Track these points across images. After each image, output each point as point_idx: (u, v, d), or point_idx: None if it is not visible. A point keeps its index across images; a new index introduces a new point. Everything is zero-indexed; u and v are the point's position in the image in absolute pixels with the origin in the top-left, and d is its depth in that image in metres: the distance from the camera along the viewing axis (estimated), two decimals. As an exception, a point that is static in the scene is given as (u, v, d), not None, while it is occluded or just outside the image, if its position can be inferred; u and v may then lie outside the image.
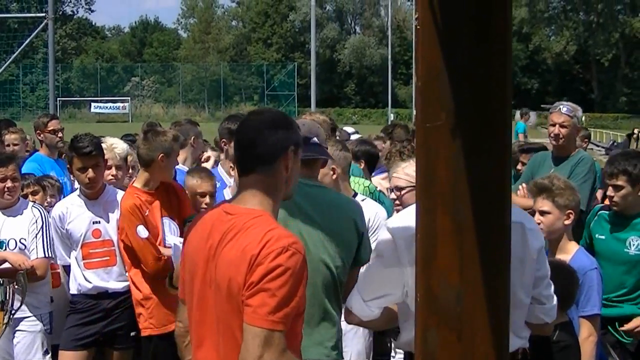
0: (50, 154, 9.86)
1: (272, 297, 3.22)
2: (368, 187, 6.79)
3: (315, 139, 4.74)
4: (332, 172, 5.90)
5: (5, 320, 4.74)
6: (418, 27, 2.34)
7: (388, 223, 4.27)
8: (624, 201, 6.27)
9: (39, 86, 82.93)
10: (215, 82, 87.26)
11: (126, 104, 79.70)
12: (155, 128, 7.12)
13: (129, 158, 7.84)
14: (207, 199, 6.96)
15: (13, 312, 4.79)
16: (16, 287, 4.78)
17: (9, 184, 6.70)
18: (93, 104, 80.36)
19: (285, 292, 3.24)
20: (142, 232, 6.50)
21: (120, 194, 6.93)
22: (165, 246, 6.56)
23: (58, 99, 64.17)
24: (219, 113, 74.37)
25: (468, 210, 2.26)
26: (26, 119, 50.38)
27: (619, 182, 6.26)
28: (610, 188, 6.32)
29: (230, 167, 7.37)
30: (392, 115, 62.17)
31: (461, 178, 2.26)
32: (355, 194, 6.41)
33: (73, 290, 6.81)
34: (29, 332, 6.70)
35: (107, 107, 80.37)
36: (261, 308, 3.22)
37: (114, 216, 6.78)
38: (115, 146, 7.65)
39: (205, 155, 9.40)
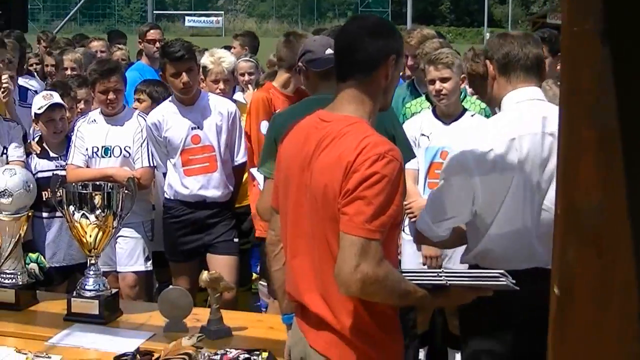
0: (151, 63, 9.91)
1: (369, 205, 3.14)
2: (484, 109, 6.68)
3: (329, 49, 4.65)
4: None
5: (115, 225, 4.77)
6: None
7: (456, 141, 4.34)
8: None
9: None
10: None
11: (219, 18, 79.62)
12: (296, 31, 7.05)
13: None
14: None
15: (122, 217, 4.82)
16: (126, 192, 4.80)
17: (111, 95, 6.73)
18: (187, 18, 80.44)
19: (382, 200, 3.15)
20: (264, 128, 6.42)
21: (213, 98, 6.90)
22: None
23: (153, 11, 64.76)
24: (312, 29, 73.90)
25: (614, 120, 2.15)
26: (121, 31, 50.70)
27: None
28: None
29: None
30: (487, 34, 61.28)
31: (608, 86, 2.15)
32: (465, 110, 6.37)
33: (169, 195, 6.78)
34: (131, 239, 6.80)
35: (200, 21, 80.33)
36: (357, 216, 3.14)
37: (212, 121, 6.71)
38: (223, 59, 7.60)
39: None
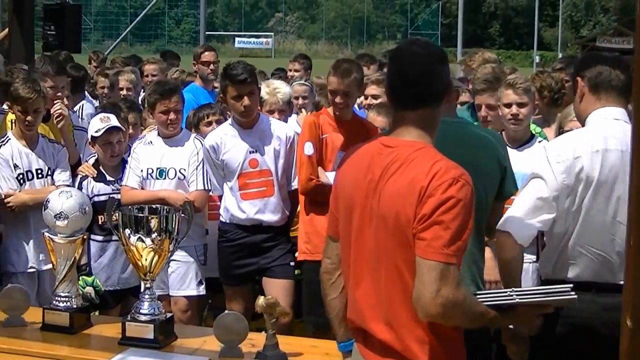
0: (204, 85, 9.95)
1: (446, 230, 3.19)
2: (539, 133, 6.64)
3: None
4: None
5: (171, 248, 4.74)
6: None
7: (546, 148, 4.40)
8: None
9: (184, 20, 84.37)
10: (358, 19, 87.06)
11: (269, 39, 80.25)
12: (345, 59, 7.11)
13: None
14: None
15: (178, 241, 4.79)
16: (182, 215, 4.78)
17: (171, 116, 6.75)
18: (237, 39, 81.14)
19: (458, 224, 3.21)
20: (308, 149, 6.50)
21: (272, 122, 6.90)
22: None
23: (205, 32, 65.23)
24: (361, 51, 74.18)
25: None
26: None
27: None
28: None
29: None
30: (537, 57, 60.98)
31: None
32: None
33: (225, 218, 6.77)
34: (184, 263, 6.80)
35: (250, 42, 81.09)
36: (435, 241, 3.19)
37: (271, 146, 6.71)
38: (278, 90, 7.62)
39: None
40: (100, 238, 6.65)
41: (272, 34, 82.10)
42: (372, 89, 7.94)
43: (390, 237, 3.32)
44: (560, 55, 51.70)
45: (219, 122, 7.31)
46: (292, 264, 6.74)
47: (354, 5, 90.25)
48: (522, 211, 4.27)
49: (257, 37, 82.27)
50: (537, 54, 63.83)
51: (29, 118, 6.60)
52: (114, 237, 6.10)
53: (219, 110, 7.58)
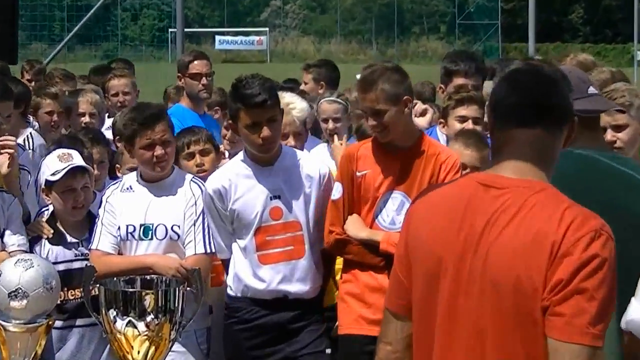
0: (194, 106, 9.95)
1: (591, 301, 3.28)
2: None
3: (591, 87, 4.67)
4: None
5: (173, 337, 4.77)
6: None
7: None
8: None
9: (142, 13, 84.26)
10: (385, 6, 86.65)
11: (263, 37, 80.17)
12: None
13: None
14: None
15: (184, 325, 4.81)
16: (188, 289, 4.80)
17: (158, 151, 6.72)
18: (218, 37, 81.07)
19: (605, 293, 3.30)
20: (336, 190, 6.61)
21: (299, 156, 6.94)
22: (379, 227, 6.55)
23: (169, 29, 65.21)
24: (391, 50, 74.43)
25: None
26: (125, 57, 50.94)
27: None
28: None
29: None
30: (638, 52, 60.87)
31: None
32: None
33: (235, 291, 6.77)
34: (179, 354, 6.65)
35: (237, 42, 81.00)
36: (579, 317, 3.27)
37: (298, 188, 6.76)
38: (292, 107, 7.64)
39: (420, 106, 9.37)
40: (59, 323, 6.46)
41: (267, 29, 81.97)
42: (461, 110, 7.98)
43: (505, 310, 3.36)
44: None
45: (204, 154, 7.41)
46: (327, 351, 6.77)
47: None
48: None
49: (246, 34, 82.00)
50: (639, 47, 63.66)
51: None
52: (79, 322, 6.13)
53: (204, 137, 7.64)
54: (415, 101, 7.97)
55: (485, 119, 6.87)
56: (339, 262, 6.83)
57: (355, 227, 6.47)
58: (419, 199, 3.83)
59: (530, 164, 3.51)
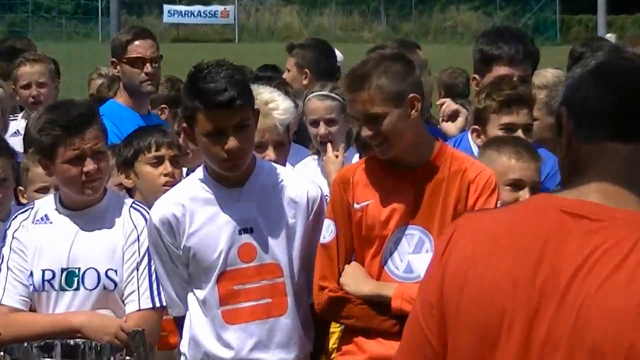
0: (134, 103, 9.93)
1: None
2: None
3: None
4: None
5: None
6: None
7: None
8: None
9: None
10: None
11: (229, 8, 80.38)
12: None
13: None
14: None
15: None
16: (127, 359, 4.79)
17: (88, 166, 6.69)
18: (166, 7, 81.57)
19: None
20: (327, 231, 6.55)
21: (285, 175, 7.05)
22: (389, 277, 6.55)
23: (103, -1, 65.29)
24: (407, 25, 74.63)
25: None
26: (38, 36, 51.13)
27: None
28: None
29: None
30: None
31: None
32: None
33: (191, 358, 6.79)
34: None
35: (192, 14, 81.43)
36: None
37: (279, 217, 6.78)
38: (273, 106, 7.53)
39: (450, 106, 9.31)
40: None
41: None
42: (507, 117, 7.86)
43: None
44: None
45: (176, 164, 7.35)
46: None
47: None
48: None
49: (207, 2, 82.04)
50: None
51: None
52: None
53: (173, 140, 7.54)
54: (442, 100, 7.92)
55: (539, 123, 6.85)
56: (335, 325, 6.80)
57: (356, 280, 6.44)
58: (457, 230, 3.72)
59: (627, 189, 3.50)
